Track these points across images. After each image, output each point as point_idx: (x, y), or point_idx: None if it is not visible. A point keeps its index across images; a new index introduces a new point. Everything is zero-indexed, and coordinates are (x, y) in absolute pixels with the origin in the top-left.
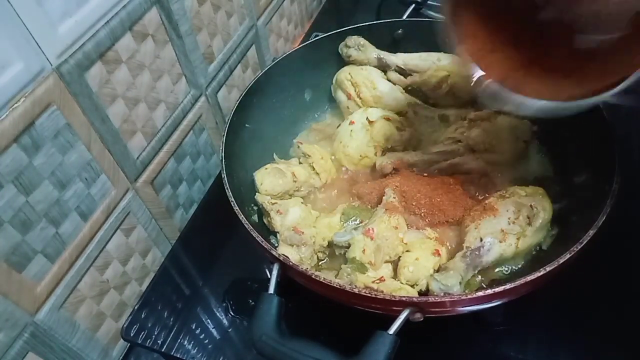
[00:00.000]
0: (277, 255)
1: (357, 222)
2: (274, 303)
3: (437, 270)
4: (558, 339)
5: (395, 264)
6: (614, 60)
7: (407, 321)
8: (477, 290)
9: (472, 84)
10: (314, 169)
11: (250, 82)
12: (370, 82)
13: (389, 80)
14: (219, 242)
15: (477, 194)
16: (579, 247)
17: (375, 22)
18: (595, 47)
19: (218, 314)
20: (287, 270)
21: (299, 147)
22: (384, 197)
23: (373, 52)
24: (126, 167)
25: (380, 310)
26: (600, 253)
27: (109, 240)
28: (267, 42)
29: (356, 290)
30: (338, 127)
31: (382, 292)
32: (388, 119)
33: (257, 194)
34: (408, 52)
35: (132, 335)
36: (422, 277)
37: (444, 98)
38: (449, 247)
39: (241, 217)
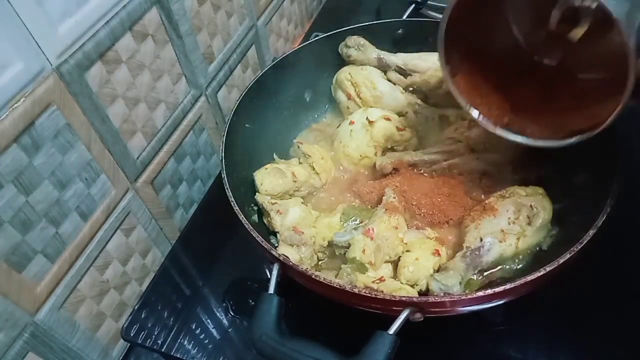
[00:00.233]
0: (277, 255)
1: (357, 222)
2: (274, 303)
3: (437, 270)
4: (558, 339)
5: (395, 264)
6: (602, 100)
7: (407, 321)
8: (477, 290)
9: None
10: (314, 169)
11: (250, 82)
12: (370, 82)
13: (389, 80)
14: (219, 242)
15: (477, 194)
16: (579, 247)
17: (375, 22)
18: (583, 89)
19: (218, 314)
20: (287, 270)
21: (299, 147)
22: (384, 197)
23: (373, 52)
24: (126, 167)
25: (380, 310)
26: (600, 253)
27: (109, 240)
28: (267, 42)
29: (356, 290)
30: (338, 127)
31: (382, 292)
32: (388, 119)
33: (257, 194)
34: (408, 52)
35: (132, 335)
36: (422, 277)
37: (444, 98)
38: (449, 247)
39: (241, 217)
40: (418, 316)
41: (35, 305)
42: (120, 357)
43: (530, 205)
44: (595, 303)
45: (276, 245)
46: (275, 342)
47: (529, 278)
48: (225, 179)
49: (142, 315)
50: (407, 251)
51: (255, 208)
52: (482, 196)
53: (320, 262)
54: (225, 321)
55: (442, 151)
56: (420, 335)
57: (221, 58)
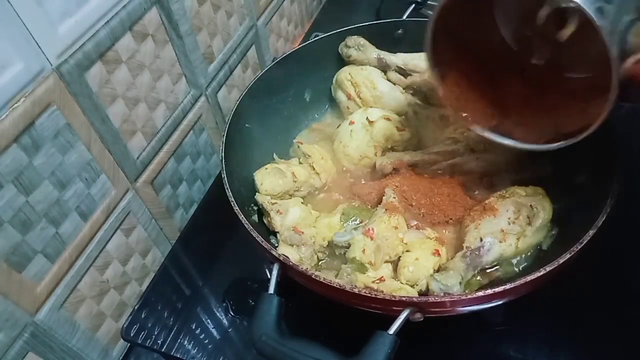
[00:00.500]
0: (277, 255)
1: (357, 222)
2: (274, 303)
3: (437, 270)
4: (558, 339)
5: (395, 264)
6: (590, 103)
7: (407, 321)
8: (477, 290)
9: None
10: (314, 169)
11: (251, 82)
12: (370, 82)
13: (389, 80)
14: (219, 242)
15: (477, 194)
16: (579, 247)
17: (375, 22)
18: (570, 92)
19: (218, 314)
20: (287, 270)
21: (299, 147)
22: (384, 197)
23: (373, 52)
24: (126, 167)
25: (380, 310)
26: (600, 253)
27: (109, 240)
28: (267, 42)
29: (356, 290)
30: (338, 127)
31: (382, 292)
32: (388, 119)
33: (257, 194)
34: (408, 52)
35: (132, 335)
36: (422, 277)
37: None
38: (449, 247)
39: (241, 217)
40: (418, 316)
41: (35, 305)
42: (120, 357)
43: (530, 205)
44: (595, 303)
45: (276, 245)
46: (275, 342)
47: (529, 278)
48: (225, 179)
49: (142, 315)
50: (407, 251)
51: (255, 208)
52: (482, 196)
53: (320, 262)
54: (225, 321)
55: (442, 151)
56: (420, 335)
57: (221, 58)
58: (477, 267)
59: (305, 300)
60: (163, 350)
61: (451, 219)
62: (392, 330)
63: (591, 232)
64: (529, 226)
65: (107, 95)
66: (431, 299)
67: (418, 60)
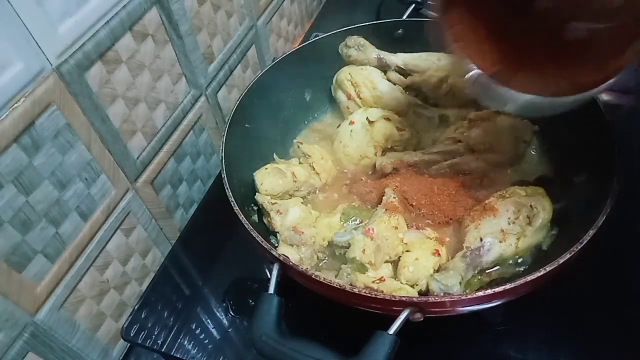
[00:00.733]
0: (277, 255)
1: (357, 222)
2: (274, 303)
3: (437, 270)
4: (558, 339)
5: (395, 264)
6: (603, 55)
7: (407, 321)
8: (477, 290)
9: (465, 78)
10: (314, 169)
11: (251, 82)
12: (370, 82)
13: (389, 80)
14: (219, 242)
15: (477, 194)
16: (579, 247)
17: (375, 22)
18: (585, 40)
19: (218, 314)
20: (287, 270)
21: (299, 147)
22: (384, 197)
23: (373, 52)
24: (126, 167)
25: (380, 310)
26: (600, 253)
27: (109, 240)
28: (267, 42)
29: (356, 290)
30: (338, 127)
31: (382, 292)
32: (388, 119)
33: (257, 194)
34: (408, 52)
35: (132, 335)
36: (422, 277)
37: (444, 98)
38: (449, 247)
39: (241, 217)
40: (418, 316)
41: (35, 305)
42: (120, 357)
43: (530, 205)
44: (595, 303)
45: (276, 245)
46: (275, 342)
47: (529, 278)
48: (225, 179)
49: (142, 315)
50: (407, 251)
51: (255, 208)
52: (482, 196)
53: (320, 262)
54: (225, 321)
55: (442, 151)
56: (420, 335)
57: (221, 58)
58: (477, 267)
59: (305, 300)
60: (163, 350)
61: (451, 219)
62: (392, 330)
63: (591, 232)
64: (529, 226)
65: (107, 95)
66: (431, 299)
67: (418, 60)
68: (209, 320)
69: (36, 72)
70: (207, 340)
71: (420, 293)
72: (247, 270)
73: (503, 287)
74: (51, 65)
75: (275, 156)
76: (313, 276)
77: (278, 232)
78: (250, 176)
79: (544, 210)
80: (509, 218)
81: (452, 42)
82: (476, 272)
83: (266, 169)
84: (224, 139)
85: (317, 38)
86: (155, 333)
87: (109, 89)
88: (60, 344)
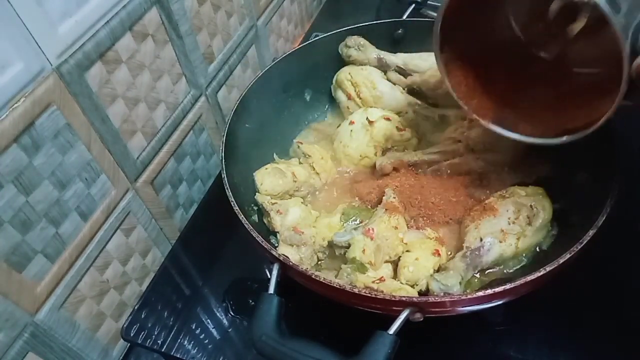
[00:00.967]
0: (277, 255)
1: (357, 222)
2: (274, 303)
3: (437, 270)
4: (558, 339)
5: (395, 264)
6: (596, 100)
7: (407, 321)
8: (477, 290)
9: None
10: (314, 169)
11: (251, 82)
12: (370, 82)
13: (389, 80)
14: (219, 242)
15: (477, 194)
16: (579, 247)
17: (375, 22)
18: (577, 87)
19: (218, 314)
20: (287, 270)
21: (299, 147)
22: (384, 197)
23: (373, 52)
24: (126, 167)
25: (380, 310)
26: (600, 253)
27: (109, 240)
28: (267, 42)
29: (356, 290)
30: (338, 127)
31: (382, 292)
32: (388, 119)
33: (257, 194)
34: (408, 52)
35: (132, 335)
36: (422, 277)
37: (443, 98)
38: (449, 247)
39: (241, 217)
40: (418, 316)
41: (35, 305)
42: (120, 357)
43: (530, 205)
44: (595, 303)
45: (276, 245)
46: (275, 342)
47: (529, 278)
48: (225, 179)
49: (142, 315)
50: (407, 251)
51: (255, 208)
52: (482, 196)
53: (320, 262)
54: (225, 321)
55: (442, 151)
56: (420, 335)
57: (221, 58)
58: (477, 267)
59: (305, 300)
60: (163, 350)
61: (451, 219)
62: (392, 330)
63: (591, 232)
64: (529, 226)
65: (107, 95)
66: (431, 299)
67: (418, 60)
68: (209, 320)
69: (36, 72)
70: (207, 340)
71: (420, 293)
72: (247, 270)
73: (503, 287)
74: (51, 65)
75: (275, 156)
76: (313, 276)
77: (278, 232)
78: (250, 176)
79: (543, 210)
80: (509, 218)
81: (452, 89)
82: (476, 272)
83: (266, 169)
84: (224, 139)
85: (317, 38)
86: (155, 333)
87: (109, 89)
88: (60, 344)
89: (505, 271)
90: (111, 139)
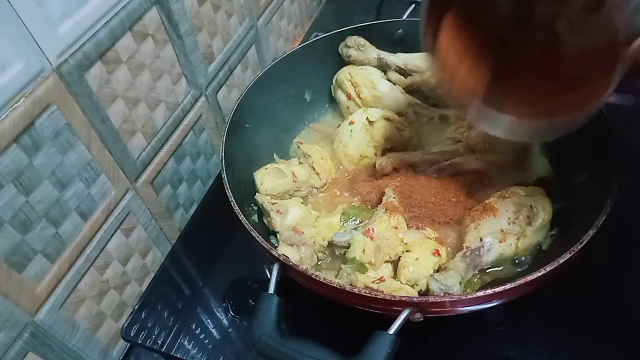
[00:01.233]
0: (277, 255)
1: (357, 222)
2: (274, 303)
3: (437, 270)
4: (558, 339)
5: (395, 264)
6: (587, 88)
7: (407, 321)
8: (477, 290)
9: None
10: (314, 169)
11: (251, 82)
12: (370, 82)
13: (389, 81)
14: (219, 242)
15: (477, 194)
16: (579, 247)
17: (375, 22)
18: (571, 75)
19: (218, 314)
20: (287, 270)
21: (299, 147)
22: (384, 197)
23: (373, 52)
24: (126, 167)
25: (380, 310)
26: (600, 253)
27: (109, 240)
28: (267, 42)
29: (356, 290)
30: (338, 127)
31: (382, 292)
32: (388, 119)
33: (257, 194)
34: (408, 52)
35: (132, 335)
36: (422, 277)
37: (444, 98)
38: (449, 247)
39: (241, 217)
40: (418, 316)
41: (35, 305)
42: (120, 357)
43: (530, 206)
44: (595, 303)
45: (276, 245)
46: (275, 342)
47: (529, 278)
48: (225, 179)
49: (142, 315)
50: (407, 251)
51: (255, 208)
52: (482, 196)
53: (320, 262)
54: (225, 321)
55: (442, 151)
56: (420, 335)
57: (221, 58)
58: (477, 267)
59: (305, 300)
60: (163, 350)
61: (451, 219)
62: (392, 330)
63: (591, 232)
64: (528, 226)
65: (107, 95)
66: (431, 299)
67: (418, 60)
68: (209, 320)
69: (36, 72)
70: (207, 340)
71: (420, 293)
72: (247, 270)
73: (503, 287)
74: (51, 65)
75: (275, 156)
76: (313, 276)
77: (278, 232)
78: (250, 176)
79: (543, 210)
80: (508, 218)
81: (433, 62)
82: (476, 272)
83: (266, 169)
84: (224, 139)
85: (317, 38)
86: (155, 333)
87: (109, 89)
88: (60, 344)
89: (505, 271)
90: (111, 139)
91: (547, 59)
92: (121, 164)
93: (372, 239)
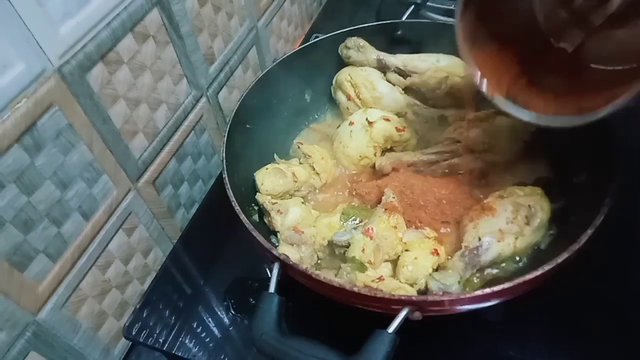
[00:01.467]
0: (277, 255)
1: (357, 221)
2: (275, 302)
3: (436, 270)
4: (558, 339)
5: (395, 263)
6: (612, 84)
7: (406, 320)
8: (476, 289)
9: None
10: (314, 169)
11: (251, 83)
12: (370, 83)
13: (389, 81)
14: (220, 241)
15: (476, 194)
16: (578, 247)
17: (374, 23)
18: (595, 78)
19: (219, 313)
20: (288, 270)
21: (299, 147)
22: (383, 197)
23: (373, 53)
24: (128, 167)
25: (379, 309)
26: (599, 253)
27: (111, 240)
28: (268, 43)
29: (356, 289)
30: (338, 127)
31: (381, 291)
32: (387, 120)
33: (257, 193)
34: (408, 53)
35: (133, 334)
36: (421, 276)
37: (443, 99)
38: (448, 247)
39: (242, 216)
40: (417, 315)
41: (37, 305)
42: (122, 356)
43: (529, 205)
44: (595, 303)
45: (276, 244)
46: (276, 341)
47: (527, 277)
48: (226, 179)
49: (144, 314)
50: (406, 250)
51: (256, 208)
52: (481, 196)
53: (320, 261)
54: (226, 320)
55: (441, 151)
56: (419, 334)
57: (222, 59)
58: (476, 267)
59: (306, 299)
60: (164, 348)
61: (450, 218)
62: (392, 329)
63: (589, 232)
64: (527, 226)
65: (108, 95)
66: (430, 298)
67: (417, 61)
68: (210, 319)
69: (38, 72)
70: (208, 339)
71: (419, 292)
72: (248, 270)
73: (501, 286)
74: (53, 66)
75: (275, 156)
76: (313, 275)
77: (278, 232)
78: (250, 176)
79: (541, 210)
80: (507, 218)
81: (470, 60)
82: (475, 271)
83: (267, 169)
84: (225, 139)
85: (317, 39)
86: (157, 332)
87: (111, 90)
88: (62, 343)
89: (504, 270)
90: (113, 139)
91: (570, 68)
92: (123, 164)
93: (371, 238)
